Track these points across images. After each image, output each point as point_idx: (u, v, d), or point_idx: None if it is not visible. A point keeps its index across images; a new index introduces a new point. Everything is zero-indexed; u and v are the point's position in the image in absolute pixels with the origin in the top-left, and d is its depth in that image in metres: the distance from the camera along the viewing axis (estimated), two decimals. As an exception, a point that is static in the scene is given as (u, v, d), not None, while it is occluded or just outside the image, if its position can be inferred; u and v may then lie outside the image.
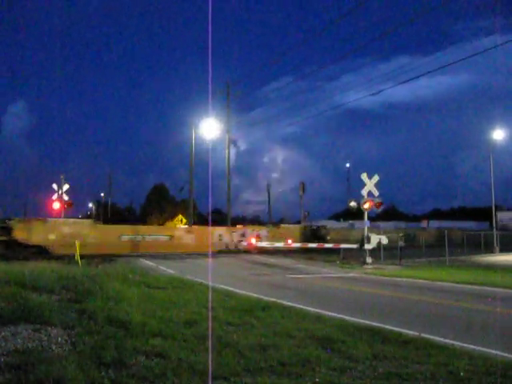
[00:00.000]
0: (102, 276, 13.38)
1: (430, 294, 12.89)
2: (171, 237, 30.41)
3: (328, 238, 35.13)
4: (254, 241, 30.17)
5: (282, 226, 37.38)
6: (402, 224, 60.44)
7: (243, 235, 32.57)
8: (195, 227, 34.46)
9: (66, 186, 29.00)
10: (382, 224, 48.33)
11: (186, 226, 36.42)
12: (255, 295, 11.35)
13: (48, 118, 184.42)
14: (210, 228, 34.36)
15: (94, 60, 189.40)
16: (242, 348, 5.94)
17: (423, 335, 7.16)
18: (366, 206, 23.04)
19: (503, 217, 60.75)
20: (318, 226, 38.07)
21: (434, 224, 59.44)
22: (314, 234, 35.14)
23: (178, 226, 38.81)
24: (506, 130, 37.07)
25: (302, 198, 42.37)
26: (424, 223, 62.92)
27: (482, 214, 60.08)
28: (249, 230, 33.99)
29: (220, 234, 32.51)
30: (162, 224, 51.83)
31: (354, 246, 24.87)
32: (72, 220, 28.65)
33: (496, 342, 6.90)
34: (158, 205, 68.01)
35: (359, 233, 36.60)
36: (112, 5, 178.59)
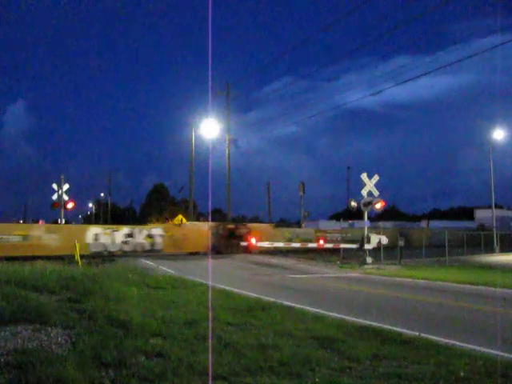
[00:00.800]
0: (102, 276, 13.38)
1: (430, 294, 12.89)
2: (25, 237, 24.59)
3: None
4: (253, 241, 30.06)
5: (185, 223, 31.92)
6: (401, 224, 60.50)
7: (130, 235, 27.85)
8: (61, 225, 29.04)
9: (65, 186, 29.02)
10: (381, 224, 48.33)
11: (48, 225, 32.19)
12: (255, 295, 11.34)
13: (48, 118, 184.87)
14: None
15: (95, 60, 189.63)
16: (241, 348, 5.94)
17: (423, 335, 7.16)
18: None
19: (480, 215, 60.20)
20: (237, 225, 33.21)
21: (434, 224, 59.48)
22: (231, 234, 31.08)
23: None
24: (507, 130, 37.13)
25: (302, 198, 42.38)
26: (424, 223, 62.93)
27: (481, 214, 60.16)
28: (137, 229, 28.96)
29: (96, 234, 26.80)
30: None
31: (354, 245, 24.87)
32: None
33: (496, 342, 6.90)
34: (158, 205, 68.02)
35: (297, 231, 35.61)
36: (113, 5, 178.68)
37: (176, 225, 30.79)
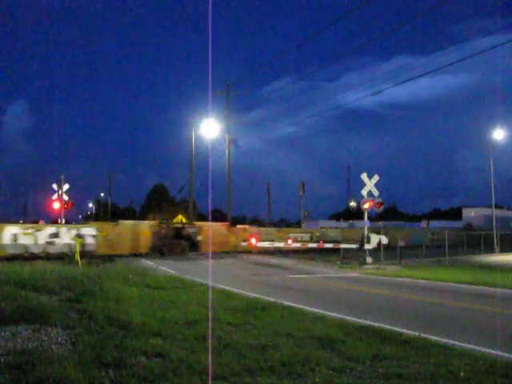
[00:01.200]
0: (102, 276, 13.39)
1: (430, 294, 12.89)
2: None
3: (199, 238, 29.37)
4: (253, 241, 30.02)
5: (122, 222, 29.42)
6: (402, 224, 60.57)
7: (56, 235, 25.36)
8: None
9: (66, 186, 29.03)
10: (381, 224, 48.34)
11: None
12: (255, 295, 11.34)
13: (48, 117, 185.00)
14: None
15: (94, 60, 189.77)
16: (241, 348, 5.94)
17: (423, 335, 7.15)
18: (366, 205, 23.04)
19: (467, 214, 59.74)
20: (184, 224, 30.63)
21: (434, 224, 59.56)
22: (178, 234, 29.09)
23: None
24: (507, 130, 37.11)
25: (302, 198, 42.39)
26: (424, 223, 62.98)
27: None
28: (64, 228, 26.52)
29: (14, 234, 24.30)
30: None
31: (354, 246, 24.87)
32: None
33: (496, 342, 6.90)
34: (158, 205, 68.03)
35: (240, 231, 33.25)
36: (112, 5, 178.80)
37: (112, 224, 28.34)
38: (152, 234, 28.29)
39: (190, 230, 29.53)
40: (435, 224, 57.07)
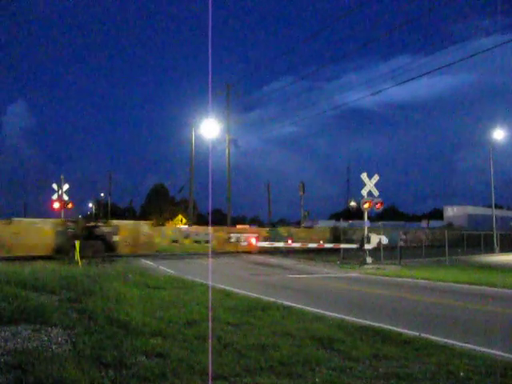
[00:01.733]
0: (102, 276, 13.38)
1: (430, 294, 12.89)
2: None
3: (115, 238, 26.09)
4: (253, 241, 29.92)
5: (17, 220, 25.67)
6: (402, 224, 60.62)
7: None
8: None
9: (65, 186, 29.04)
10: (381, 224, 48.32)
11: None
12: (255, 295, 11.34)
13: (48, 117, 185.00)
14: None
15: (94, 60, 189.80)
16: (241, 348, 5.93)
17: (423, 335, 7.16)
18: (366, 205, 23.05)
19: (449, 213, 59.39)
20: (97, 223, 26.99)
21: (435, 224, 59.57)
22: (90, 234, 25.66)
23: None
24: (507, 130, 37.12)
25: (301, 198, 42.41)
26: (424, 223, 63.01)
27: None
28: None
29: None
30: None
31: (354, 245, 24.88)
32: None
33: (496, 342, 6.90)
34: (158, 205, 68.06)
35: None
36: (112, 5, 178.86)
37: (4, 222, 24.62)
38: (57, 234, 24.77)
39: (105, 230, 26.22)
40: (433, 224, 57.11)
